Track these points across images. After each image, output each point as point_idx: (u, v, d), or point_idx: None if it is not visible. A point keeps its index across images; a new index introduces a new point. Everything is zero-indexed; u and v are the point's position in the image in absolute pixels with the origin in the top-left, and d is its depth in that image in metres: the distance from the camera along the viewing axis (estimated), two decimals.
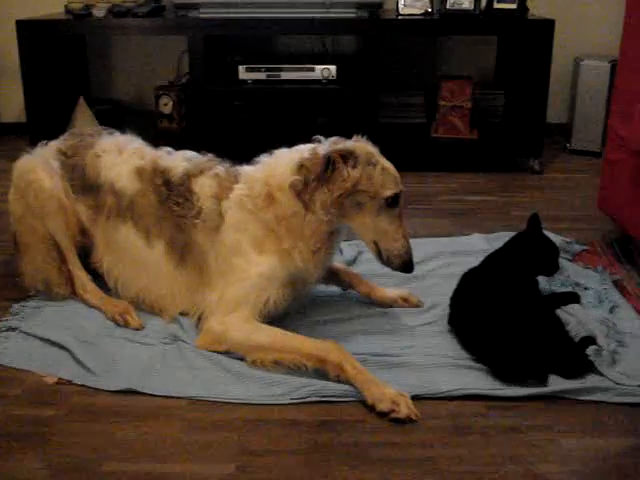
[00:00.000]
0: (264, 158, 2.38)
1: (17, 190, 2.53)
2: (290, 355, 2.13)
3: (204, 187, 2.38)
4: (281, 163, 2.30)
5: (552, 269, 2.46)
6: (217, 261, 2.32)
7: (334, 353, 2.08)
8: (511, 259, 2.41)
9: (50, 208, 2.50)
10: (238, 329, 2.21)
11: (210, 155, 2.52)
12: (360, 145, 2.25)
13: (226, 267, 2.30)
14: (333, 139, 2.29)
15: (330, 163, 2.17)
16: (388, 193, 2.20)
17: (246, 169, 2.40)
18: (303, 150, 2.29)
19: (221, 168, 2.43)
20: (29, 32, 3.91)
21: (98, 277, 2.57)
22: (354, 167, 2.18)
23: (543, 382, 2.06)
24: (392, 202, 2.21)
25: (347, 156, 2.18)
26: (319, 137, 2.32)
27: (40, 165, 2.53)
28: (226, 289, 2.27)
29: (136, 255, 2.46)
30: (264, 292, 2.25)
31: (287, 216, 2.25)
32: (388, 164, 2.24)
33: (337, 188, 2.18)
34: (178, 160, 2.50)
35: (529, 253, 2.41)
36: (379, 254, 2.28)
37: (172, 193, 2.41)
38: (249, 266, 2.27)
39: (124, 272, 2.51)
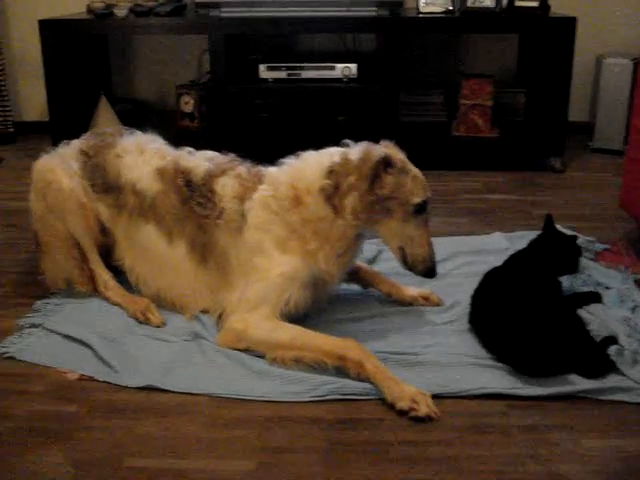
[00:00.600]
0: (290, 160, 2.38)
1: (37, 190, 2.56)
2: (310, 353, 2.14)
3: (226, 187, 2.39)
4: (310, 166, 2.31)
5: (573, 269, 2.45)
6: (239, 261, 2.33)
7: (354, 351, 2.09)
8: (534, 259, 2.41)
9: (70, 208, 2.52)
10: (259, 327, 2.22)
11: (232, 155, 2.53)
12: (394, 152, 2.28)
13: (248, 267, 2.31)
14: (364, 144, 2.29)
15: (379, 170, 2.20)
16: (417, 200, 2.23)
17: (271, 170, 2.41)
18: (333, 154, 2.30)
19: (243, 168, 2.44)
20: (51, 31, 3.94)
21: (120, 274, 2.59)
22: (390, 175, 2.21)
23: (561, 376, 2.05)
24: (420, 209, 2.25)
25: (386, 163, 2.21)
26: (348, 141, 2.33)
27: (59, 165, 2.55)
28: (247, 288, 2.28)
29: (158, 254, 2.47)
30: (285, 292, 2.26)
31: (314, 219, 2.26)
32: (418, 171, 2.27)
33: (373, 194, 2.20)
34: (199, 160, 2.51)
35: (552, 253, 2.40)
36: (404, 259, 2.31)
37: (194, 194, 2.42)
38: (271, 265, 2.28)
39: (146, 270, 2.53)
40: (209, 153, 2.56)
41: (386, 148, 2.30)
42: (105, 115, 4.22)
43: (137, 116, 4.41)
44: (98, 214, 2.57)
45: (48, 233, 2.55)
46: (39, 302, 2.54)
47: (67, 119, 4.10)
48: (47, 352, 2.26)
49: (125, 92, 4.75)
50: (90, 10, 4.15)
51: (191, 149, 2.60)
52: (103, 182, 2.56)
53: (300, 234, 2.28)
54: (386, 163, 2.21)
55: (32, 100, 4.72)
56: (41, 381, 2.14)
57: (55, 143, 3.91)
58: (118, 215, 2.55)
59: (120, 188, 2.54)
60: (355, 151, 2.27)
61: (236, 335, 2.25)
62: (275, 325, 2.22)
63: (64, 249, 2.54)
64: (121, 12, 4.00)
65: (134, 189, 2.51)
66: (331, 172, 2.25)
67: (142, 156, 2.56)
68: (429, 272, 2.32)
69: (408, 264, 2.31)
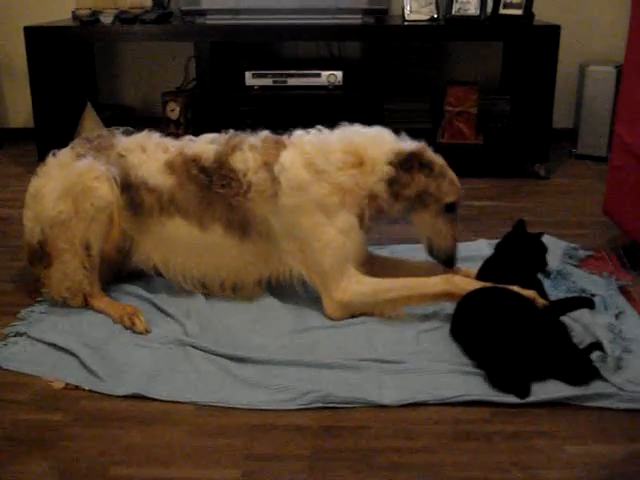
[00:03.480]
0: (320, 131, 2.56)
1: (68, 193, 2.45)
2: (416, 299, 2.41)
3: (247, 161, 2.47)
4: (371, 140, 2.48)
5: (541, 265, 2.57)
6: (282, 224, 2.45)
7: (459, 284, 2.36)
8: (503, 261, 2.53)
9: (101, 218, 2.47)
10: (357, 292, 2.42)
11: (230, 131, 2.61)
12: (438, 158, 2.49)
13: (296, 229, 2.44)
14: (420, 143, 2.50)
15: (408, 163, 2.41)
16: (449, 200, 2.46)
17: (303, 136, 2.55)
18: (389, 141, 2.49)
19: (253, 139, 2.54)
20: (37, 38, 3.94)
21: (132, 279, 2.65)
22: (428, 176, 2.43)
23: (526, 394, 2.05)
24: (451, 208, 2.48)
25: (425, 165, 2.43)
26: (404, 135, 2.53)
27: (105, 174, 2.49)
28: (321, 258, 2.42)
29: (193, 243, 2.52)
30: (352, 245, 2.44)
31: (370, 193, 2.44)
32: (454, 176, 2.50)
33: (410, 188, 2.42)
34: (204, 145, 2.56)
35: (518, 252, 2.53)
36: (430, 248, 2.52)
37: (213, 178, 2.47)
38: (325, 227, 2.41)
39: (182, 261, 2.55)
40: (209, 136, 2.62)
41: (433, 152, 2.50)
42: (91, 122, 4.21)
43: (123, 123, 4.35)
44: (122, 226, 2.54)
45: (64, 240, 2.46)
46: (24, 310, 2.53)
47: (53, 126, 4.09)
48: (32, 361, 2.25)
49: (111, 99, 4.74)
50: (76, 17, 4.14)
51: (191, 136, 2.64)
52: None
53: (348, 193, 2.43)
54: (421, 164, 2.43)
55: (17, 107, 4.71)
56: (26, 390, 2.13)
57: (41, 149, 3.95)
58: (134, 215, 2.54)
59: (131, 187, 2.53)
60: (409, 146, 2.47)
61: (343, 306, 2.43)
62: (370, 283, 2.43)
63: (77, 258, 2.47)
64: (107, 19, 4.00)
65: (147, 186, 2.52)
66: (399, 165, 2.42)
67: (145, 153, 2.57)
68: (448, 262, 2.52)
69: (433, 253, 2.53)
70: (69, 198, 2.46)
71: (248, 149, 2.50)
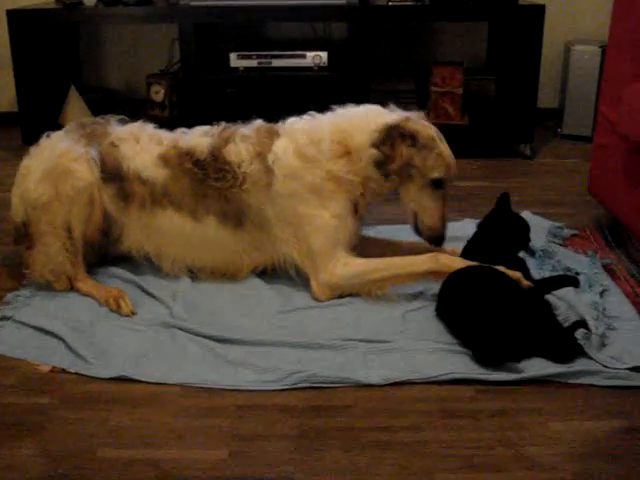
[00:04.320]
0: (312, 116, 2.56)
1: (48, 176, 2.46)
2: (403, 277, 2.41)
3: (240, 153, 2.48)
4: (356, 125, 2.46)
5: (524, 242, 2.57)
6: (276, 212, 2.46)
7: (444, 262, 2.36)
8: (486, 240, 2.52)
9: (81, 200, 2.48)
10: (345, 274, 2.42)
11: (222, 123, 2.60)
12: (424, 128, 2.43)
13: (290, 216, 2.45)
14: (407, 113, 2.48)
15: (388, 137, 2.38)
16: (435, 175, 2.41)
17: (295, 123, 2.55)
18: (375, 115, 2.48)
19: (245, 130, 2.54)
20: (20, 22, 3.90)
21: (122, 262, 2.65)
22: (411, 146, 2.38)
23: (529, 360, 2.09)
24: (437, 184, 2.42)
25: (407, 136, 2.38)
26: (392, 105, 2.53)
27: (84, 155, 2.51)
28: (311, 241, 2.43)
29: (186, 235, 2.53)
30: (345, 230, 2.45)
31: (363, 176, 2.44)
32: (445, 150, 2.43)
33: (395, 162, 2.39)
34: (197, 138, 2.56)
35: (500, 230, 2.53)
36: (415, 223, 2.50)
37: (208, 171, 2.48)
38: (318, 212, 2.42)
39: (175, 251, 2.57)
40: (202, 128, 2.62)
41: (420, 120, 2.46)
42: (75, 105, 4.20)
43: (107, 106, 4.37)
44: (104, 206, 2.55)
45: (46, 222, 2.47)
46: (9, 295, 2.52)
47: (37, 109, 4.07)
48: (18, 344, 2.25)
49: (95, 82, 4.71)
50: None
51: (184, 129, 2.64)
52: (102, 172, 2.54)
53: (341, 181, 2.44)
54: (402, 135, 2.38)
55: (1, 91, 4.67)
56: (13, 374, 2.13)
57: (25, 134, 3.93)
58: (125, 205, 2.55)
59: (122, 178, 2.54)
60: (392, 118, 2.44)
61: (330, 288, 2.44)
62: (357, 264, 2.43)
63: (59, 241, 2.48)
64: (90, 1, 3.97)
65: (140, 178, 2.52)
66: (379, 143, 2.40)
67: (139, 144, 2.57)
68: (434, 240, 2.49)
69: (418, 230, 2.50)
70: (49, 180, 2.46)
71: (240, 140, 2.51)
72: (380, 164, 2.41)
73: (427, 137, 2.41)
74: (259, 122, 2.59)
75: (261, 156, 2.47)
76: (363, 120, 2.48)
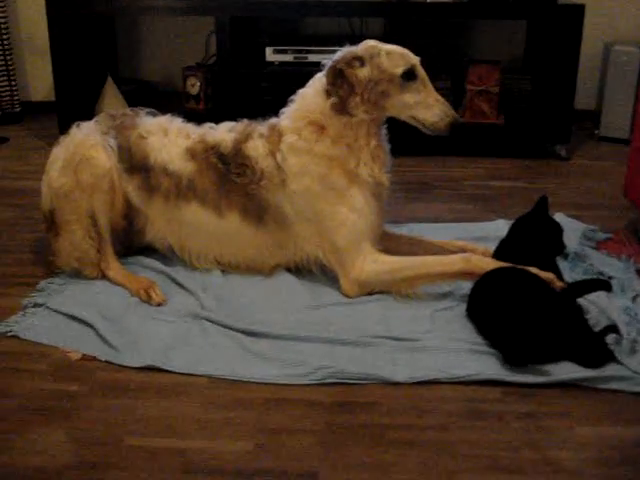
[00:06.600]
0: (288, 108, 2.52)
1: (69, 164, 2.51)
2: (433, 277, 2.39)
3: (258, 149, 2.49)
4: (310, 99, 2.47)
5: (558, 248, 2.52)
6: (295, 211, 2.47)
7: (475, 263, 2.34)
8: (519, 241, 2.48)
9: (102, 186, 2.52)
10: (374, 269, 2.41)
11: (245, 120, 2.61)
12: (361, 45, 2.42)
13: (309, 213, 2.45)
14: (343, 50, 2.43)
15: (337, 73, 2.36)
16: (400, 70, 2.37)
17: (281, 120, 2.52)
18: (319, 78, 2.47)
19: (261, 127, 2.55)
20: (58, 11, 3.94)
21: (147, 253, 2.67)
22: (363, 65, 2.37)
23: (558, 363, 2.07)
24: (409, 76, 2.38)
25: (351, 60, 2.36)
26: (325, 62, 2.46)
27: (101, 142, 2.55)
28: (336, 238, 2.43)
29: (211, 229, 2.55)
30: (366, 220, 2.44)
31: (341, 133, 2.41)
32: (391, 47, 2.41)
33: (358, 88, 2.36)
34: (223, 133, 2.58)
35: (535, 233, 2.48)
36: (422, 126, 2.43)
37: (230, 166, 2.50)
38: (337, 207, 2.42)
39: (200, 245, 2.60)
40: (228, 124, 2.64)
41: (361, 44, 2.42)
42: (111, 96, 4.23)
43: (143, 97, 4.41)
44: (127, 195, 2.59)
45: (69, 211, 2.51)
46: (43, 282, 2.56)
47: (73, 99, 4.11)
48: (50, 331, 2.28)
49: (131, 73, 4.75)
50: None
51: (212, 124, 2.66)
52: (129, 162, 2.57)
53: (336, 160, 2.42)
54: (348, 62, 2.36)
55: (39, 80, 4.73)
56: (44, 360, 2.16)
57: (61, 123, 3.97)
58: (150, 196, 2.58)
59: (149, 169, 2.56)
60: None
61: (359, 284, 2.44)
62: (387, 261, 2.42)
63: (84, 228, 2.52)
64: None
65: (166, 171, 2.55)
66: (327, 91, 2.40)
67: (167, 137, 2.60)
68: (452, 128, 2.41)
69: (429, 128, 2.43)
70: (69, 169, 2.51)
71: (257, 137, 2.52)
72: (343, 106, 2.39)
73: (368, 48, 2.40)
74: (274, 119, 2.58)
75: (272, 154, 2.48)
76: (310, 90, 2.50)
